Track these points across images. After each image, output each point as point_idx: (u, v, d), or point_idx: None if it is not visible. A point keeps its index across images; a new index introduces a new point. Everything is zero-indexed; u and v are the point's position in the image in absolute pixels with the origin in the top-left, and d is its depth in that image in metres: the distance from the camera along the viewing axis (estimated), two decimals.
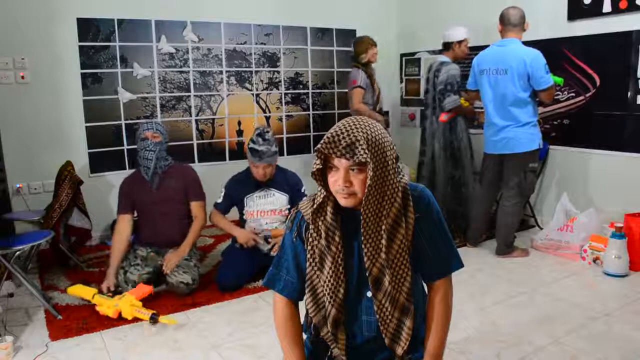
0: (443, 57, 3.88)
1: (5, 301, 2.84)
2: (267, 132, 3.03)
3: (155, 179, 3.02)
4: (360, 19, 5.01)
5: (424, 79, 4.08)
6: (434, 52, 4.83)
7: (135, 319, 2.57)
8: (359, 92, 4.02)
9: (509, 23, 3.27)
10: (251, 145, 2.99)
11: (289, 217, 1.44)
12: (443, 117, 3.81)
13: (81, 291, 2.71)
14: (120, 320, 2.58)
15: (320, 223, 1.32)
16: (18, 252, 2.72)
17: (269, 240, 3.09)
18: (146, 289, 2.75)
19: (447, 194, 3.98)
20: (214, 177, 3.89)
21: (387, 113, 4.38)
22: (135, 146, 3.94)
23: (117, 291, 2.74)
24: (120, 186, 3.12)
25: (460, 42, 3.82)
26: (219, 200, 3.16)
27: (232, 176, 3.22)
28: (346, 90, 5.03)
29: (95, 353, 2.32)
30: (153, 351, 2.33)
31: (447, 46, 3.87)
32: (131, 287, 2.81)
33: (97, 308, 2.58)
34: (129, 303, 2.56)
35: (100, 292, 2.70)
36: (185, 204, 3.11)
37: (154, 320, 2.47)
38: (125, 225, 3.04)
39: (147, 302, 2.71)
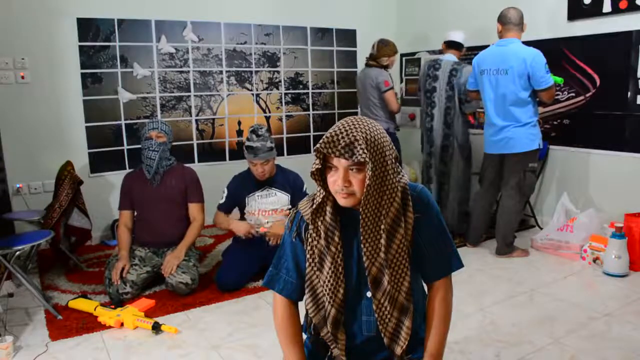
0: (452, 57, 3.84)
1: (6, 301, 2.84)
2: (261, 128, 3.04)
3: (156, 178, 3.03)
4: (360, 19, 5.01)
5: (426, 77, 3.96)
6: (434, 52, 4.83)
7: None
8: (394, 94, 4.04)
9: (508, 22, 3.27)
10: (246, 143, 3.01)
11: (288, 217, 1.44)
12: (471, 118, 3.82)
13: (82, 305, 2.70)
14: None
15: (319, 223, 1.33)
16: (18, 252, 2.71)
17: (266, 236, 3.09)
18: (148, 303, 2.75)
19: (462, 196, 3.91)
20: (214, 177, 3.90)
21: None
22: (135, 146, 3.99)
23: (118, 304, 2.73)
24: (122, 182, 3.14)
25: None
26: (222, 201, 3.16)
27: (233, 176, 3.23)
28: (347, 90, 5.06)
29: (95, 353, 2.32)
30: (153, 351, 2.33)
31: (457, 46, 3.86)
32: (129, 286, 2.81)
33: (99, 319, 2.57)
34: (130, 313, 2.56)
35: (103, 304, 2.69)
36: (184, 206, 3.11)
37: (156, 329, 2.46)
38: (128, 219, 3.08)
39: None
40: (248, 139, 3.01)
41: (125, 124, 4.06)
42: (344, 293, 1.34)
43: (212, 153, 4.48)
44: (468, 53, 4.05)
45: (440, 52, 4.08)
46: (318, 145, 1.23)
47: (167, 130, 3.06)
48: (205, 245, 3.84)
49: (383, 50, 4.03)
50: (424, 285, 1.44)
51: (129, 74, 4.03)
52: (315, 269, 1.35)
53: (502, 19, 3.29)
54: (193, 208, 3.10)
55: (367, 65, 4.12)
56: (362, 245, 1.29)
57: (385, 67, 4.06)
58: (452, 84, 3.76)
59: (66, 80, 3.79)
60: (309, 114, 4.93)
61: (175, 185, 3.06)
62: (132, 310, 2.60)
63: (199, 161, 4.39)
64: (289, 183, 3.17)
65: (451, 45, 3.88)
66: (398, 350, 1.35)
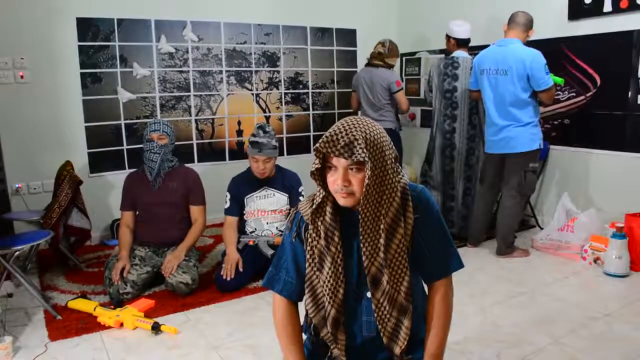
0: (465, 54, 3.74)
1: (5, 301, 2.84)
2: (268, 126, 3.07)
3: (158, 180, 3.03)
4: (361, 18, 5.01)
5: (444, 77, 3.76)
6: (434, 52, 4.83)
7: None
8: (404, 93, 4.08)
9: (513, 21, 3.27)
10: (252, 138, 3.01)
11: (288, 217, 1.44)
12: None
13: (82, 305, 2.70)
14: None
15: (319, 223, 1.33)
16: (17, 252, 2.71)
17: (272, 243, 3.09)
18: (148, 303, 2.75)
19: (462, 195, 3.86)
20: (213, 177, 3.90)
21: None
22: (135, 146, 3.99)
23: (118, 304, 2.73)
24: (124, 182, 3.14)
25: None
26: (227, 206, 3.14)
27: (232, 178, 3.22)
28: (347, 90, 5.05)
29: (94, 353, 2.32)
30: (153, 351, 2.33)
31: (464, 43, 3.75)
32: (130, 286, 2.81)
33: (99, 319, 2.57)
34: (130, 314, 2.56)
35: (102, 305, 2.69)
36: (186, 208, 3.11)
37: (155, 329, 2.46)
38: (129, 219, 3.08)
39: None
40: (254, 135, 3.01)
41: (125, 123, 4.06)
42: (344, 293, 1.34)
43: (212, 153, 4.48)
44: (470, 53, 4.03)
45: (442, 50, 4.04)
46: (318, 145, 1.24)
47: (169, 132, 3.05)
48: (205, 245, 3.84)
49: (394, 50, 4.05)
50: (424, 285, 1.44)
51: (129, 74, 4.03)
52: (315, 269, 1.36)
53: (509, 20, 3.30)
54: (195, 210, 3.10)
55: (373, 65, 4.07)
56: (361, 245, 1.29)
57: (391, 67, 4.07)
58: None
59: (66, 80, 3.79)
60: (309, 114, 4.93)
61: (177, 188, 3.06)
62: (131, 310, 2.59)
63: (198, 161, 4.39)
64: (287, 183, 3.17)
65: (460, 42, 3.75)
66: (397, 350, 1.35)
